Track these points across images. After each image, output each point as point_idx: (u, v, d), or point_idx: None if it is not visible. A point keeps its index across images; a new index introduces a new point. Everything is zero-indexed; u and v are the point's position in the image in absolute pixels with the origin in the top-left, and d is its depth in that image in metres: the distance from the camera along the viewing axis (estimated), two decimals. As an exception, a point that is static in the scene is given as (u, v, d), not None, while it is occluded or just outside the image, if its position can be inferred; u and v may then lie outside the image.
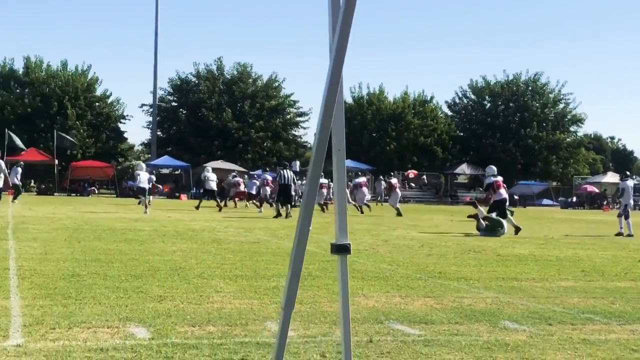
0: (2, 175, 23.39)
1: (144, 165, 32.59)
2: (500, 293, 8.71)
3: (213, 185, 33.45)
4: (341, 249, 2.56)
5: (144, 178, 30.07)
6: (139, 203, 31.09)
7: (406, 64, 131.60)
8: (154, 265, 10.42)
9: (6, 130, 46.40)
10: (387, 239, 16.65)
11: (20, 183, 34.92)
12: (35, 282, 8.46)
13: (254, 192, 35.66)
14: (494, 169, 21.71)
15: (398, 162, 63.18)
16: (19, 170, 34.41)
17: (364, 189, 33.60)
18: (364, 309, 7.27)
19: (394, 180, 34.67)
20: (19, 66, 61.54)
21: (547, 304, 7.98)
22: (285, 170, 27.50)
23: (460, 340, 6.00)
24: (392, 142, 63.70)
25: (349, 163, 52.49)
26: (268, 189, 33.07)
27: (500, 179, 21.07)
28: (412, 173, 61.26)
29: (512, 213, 22.17)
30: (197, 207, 31.03)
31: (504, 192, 20.91)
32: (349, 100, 67.31)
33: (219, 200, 32.93)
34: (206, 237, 15.96)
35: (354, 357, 5.27)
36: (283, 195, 26.42)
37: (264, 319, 6.61)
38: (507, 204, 21.59)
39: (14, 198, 32.10)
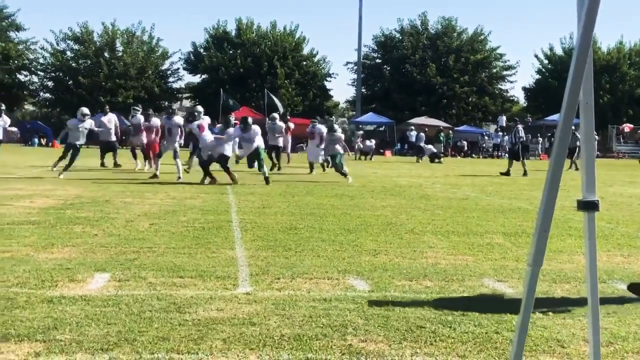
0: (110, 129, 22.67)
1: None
2: None
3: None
4: (589, 206, 2.46)
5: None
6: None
7: (620, 11, 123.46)
8: (365, 220, 10.61)
9: (221, 90, 48.87)
10: (603, 196, 15.84)
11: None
12: (257, 234, 8.90)
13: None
14: None
15: (612, 116, 59.72)
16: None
17: None
18: (584, 268, 6.98)
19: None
20: (231, 28, 64.40)
21: None
22: None
23: (695, 303, 5.63)
24: (605, 95, 60.30)
25: (557, 117, 50.36)
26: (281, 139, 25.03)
27: None
28: (627, 127, 57.78)
29: None
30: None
31: None
32: (559, 52, 64.42)
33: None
34: (414, 193, 16.01)
35: (578, 315, 5.10)
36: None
37: (480, 275, 6.54)
38: None
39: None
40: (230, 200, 13.09)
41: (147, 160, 21.71)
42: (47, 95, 63.59)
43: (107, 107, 24.47)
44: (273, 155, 24.12)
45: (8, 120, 18.35)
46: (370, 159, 39.04)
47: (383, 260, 7.19)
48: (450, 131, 51.87)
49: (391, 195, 15.04)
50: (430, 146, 38.81)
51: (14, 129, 20.12)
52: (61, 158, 18.59)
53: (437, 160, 37.04)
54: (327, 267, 6.76)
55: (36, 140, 51.18)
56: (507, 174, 24.11)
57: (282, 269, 6.61)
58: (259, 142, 18.08)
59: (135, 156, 22.33)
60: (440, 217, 11.23)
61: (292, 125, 29.52)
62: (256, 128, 18.04)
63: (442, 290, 5.85)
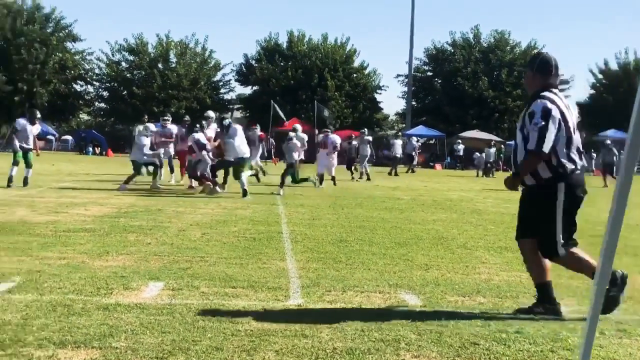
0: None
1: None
2: None
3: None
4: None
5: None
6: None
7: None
8: (416, 233, 10.55)
9: (271, 101, 49.17)
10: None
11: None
12: (307, 245, 8.91)
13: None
14: None
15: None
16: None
17: None
18: (641, 288, 6.83)
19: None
20: (283, 40, 64.88)
21: None
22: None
23: None
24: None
25: (611, 133, 49.48)
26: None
27: None
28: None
29: None
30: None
31: None
32: (614, 67, 63.39)
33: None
34: (465, 207, 15.88)
35: (635, 335, 5.00)
36: None
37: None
38: None
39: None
40: (280, 212, 13.13)
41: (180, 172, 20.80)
42: (102, 105, 64.83)
43: (146, 117, 24.39)
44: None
45: (38, 128, 17.93)
46: (413, 170, 38.12)
47: (435, 275, 7.14)
48: (502, 145, 51.34)
49: (442, 209, 14.93)
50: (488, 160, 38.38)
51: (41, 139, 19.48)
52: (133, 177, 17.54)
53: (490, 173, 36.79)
54: (378, 280, 6.74)
55: (90, 149, 52.13)
56: None
57: (333, 281, 6.60)
58: (239, 147, 16.34)
59: (172, 169, 21.10)
60: (492, 232, 11.11)
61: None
62: (235, 127, 16.61)
63: (495, 307, 5.78)
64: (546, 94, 5.59)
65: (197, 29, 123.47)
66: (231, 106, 67.36)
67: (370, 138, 29.14)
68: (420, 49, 77.29)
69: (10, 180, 16.25)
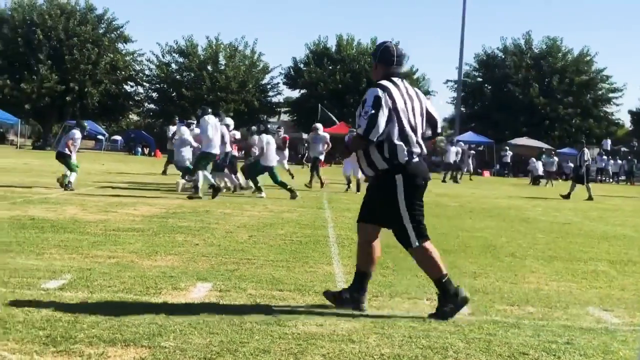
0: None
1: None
2: None
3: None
4: None
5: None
6: None
7: None
8: (464, 241, 10.44)
9: (319, 105, 49.33)
10: None
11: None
12: (354, 250, 8.76)
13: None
14: None
15: None
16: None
17: None
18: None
19: None
20: (331, 44, 64.98)
21: None
22: None
23: None
24: None
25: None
26: None
27: None
28: None
29: None
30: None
31: None
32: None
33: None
34: (514, 215, 15.69)
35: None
36: None
37: (584, 303, 6.33)
38: None
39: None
40: (326, 216, 13.14)
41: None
42: (152, 106, 65.68)
43: (177, 118, 24.17)
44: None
45: (77, 137, 16.93)
46: (460, 178, 35.39)
47: (483, 284, 7.06)
48: (553, 153, 50.61)
49: (490, 217, 14.77)
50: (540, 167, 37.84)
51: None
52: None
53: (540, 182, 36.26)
54: (425, 287, 6.67)
55: (139, 149, 52.84)
56: (567, 196, 23.20)
57: (380, 287, 6.57)
58: (210, 141, 15.48)
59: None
60: (542, 241, 10.95)
61: None
62: (205, 120, 15.47)
63: (545, 317, 5.69)
64: (382, 82, 5.62)
65: (247, 31, 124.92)
66: (278, 109, 67.69)
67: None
68: (470, 55, 76.85)
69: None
